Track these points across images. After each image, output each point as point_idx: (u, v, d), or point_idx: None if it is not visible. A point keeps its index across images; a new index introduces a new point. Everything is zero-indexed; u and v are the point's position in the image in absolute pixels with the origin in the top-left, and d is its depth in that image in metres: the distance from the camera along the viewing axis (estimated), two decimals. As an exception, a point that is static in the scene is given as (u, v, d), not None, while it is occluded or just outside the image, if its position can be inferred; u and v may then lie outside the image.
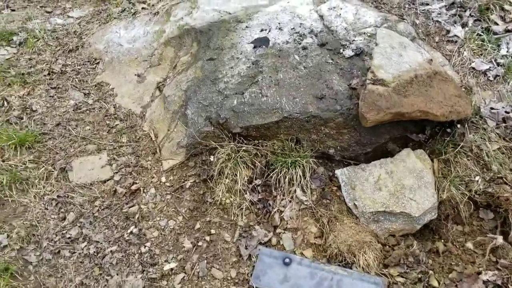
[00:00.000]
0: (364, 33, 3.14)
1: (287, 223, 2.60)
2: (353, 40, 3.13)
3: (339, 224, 2.51)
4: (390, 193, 2.48)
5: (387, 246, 2.47)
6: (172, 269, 2.56)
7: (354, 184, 2.58)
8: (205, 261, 2.56)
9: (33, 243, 2.71)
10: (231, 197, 2.76)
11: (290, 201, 2.65)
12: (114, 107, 3.49)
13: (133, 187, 2.92)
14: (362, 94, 2.49)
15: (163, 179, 2.96)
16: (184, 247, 2.62)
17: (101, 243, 2.70)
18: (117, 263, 2.62)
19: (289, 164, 2.67)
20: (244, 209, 2.71)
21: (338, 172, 2.67)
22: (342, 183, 2.62)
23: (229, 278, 2.50)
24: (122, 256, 2.64)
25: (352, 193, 2.57)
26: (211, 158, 2.89)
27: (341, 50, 3.05)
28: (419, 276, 2.36)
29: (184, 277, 2.53)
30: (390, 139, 2.73)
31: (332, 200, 2.62)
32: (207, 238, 2.63)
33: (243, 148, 2.79)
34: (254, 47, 3.14)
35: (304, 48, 3.08)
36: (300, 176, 2.66)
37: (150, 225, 2.75)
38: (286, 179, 2.68)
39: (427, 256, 2.44)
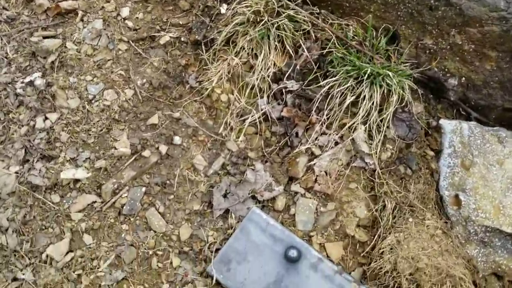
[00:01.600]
0: None
1: (315, 180, 1.34)
2: None
3: (413, 223, 1.27)
4: (539, 206, 1.23)
5: (483, 295, 1.28)
6: (77, 180, 1.33)
7: (471, 159, 1.31)
8: (143, 189, 1.33)
9: None
10: (232, 93, 1.47)
11: (336, 144, 1.37)
12: None
13: (67, 4, 1.57)
14: None
15: (125, 12, 1.62)
16: (115, 148, 1.38)
17: (-29, 83, 1.42)
18: (-16, 129, 1.38)
19: (365, 74, 1.34)
20: (247, 124, 1.43)
21: (447, 124, 1.38)
22: (448, 148, 1.35)
23: (168, 237, 1.30)
24: (1, 121, 1.39)
25: (461, 174, 1.30)
26: (223, 10, 1.53)
27: None
28: None
29: (93, 204, 1.31)
30: None
31: (417, 174, 1.35)
32: (163, 148, 1.39)
33: (290, 12, 1.43)
34: None
35: None
36: (375, 103, 1.35)
37: (70, 83, 1.47)
38: (346, 101, 1.38)
39: None
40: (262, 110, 1.48)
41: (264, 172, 1.41)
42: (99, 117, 1.48)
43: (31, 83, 1.50)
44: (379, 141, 1.40)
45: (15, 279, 1.29)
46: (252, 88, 1.51)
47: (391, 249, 1.31)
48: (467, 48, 1.44)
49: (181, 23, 1.63)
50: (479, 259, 1.33)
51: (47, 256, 1.30)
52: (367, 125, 1.42)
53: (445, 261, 1.29)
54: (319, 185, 1.39)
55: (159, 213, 1.37)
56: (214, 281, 1.25)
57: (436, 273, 1.28)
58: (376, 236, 1.35)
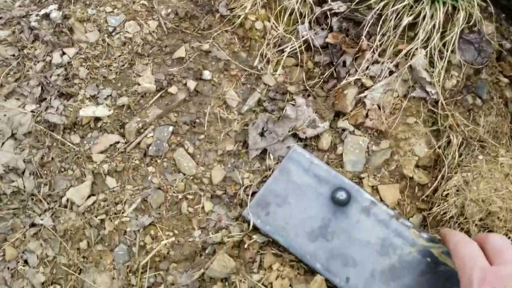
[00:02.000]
0: None
1: (366, 114, 1.17)
2: None
3: (484, 160, 1.08)
4: None
5: None
6: (98, 119, 1.21)
7: (555, 86, 1.09)
8: (170, 128, 1.19)
9: None
10: (268, 20, 1.29)
11: (391, 73, 1.18)
12: None
13: None
14: None
15: None
16: (138, 84, 1.23)
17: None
18: (-2, 65, 1.27)
19: (423, -10, 1.15)
20: (286, 55, 1.26)
21: (524, 47, 1.16)
22: (525, 74, 1.13)
23: (199, 180, 1.16)
24: (15, 57, 1.28)
25: (543, 104, 1.09)
26: None
27: None
28: None
29: (116, 145, 1.19)
30: None
31: (488, 104, 1.15)
32: (191, 84, 1.23)
33: None
34: None
35: None
36: (437, 24, 1.15)
37: (89, 15, 1.33)
38: (402, 23, 1.18)
39: None
40: (303, 37, 1.30)
41: (306, 107, 1.24)
42: (120, 51, 1.34)
43: (46, 16, 1.37)
44: (442, 68, 1.20)
45: (33, 224, 1.18)
46: (291, 13, 1.33)
47: (457, 191, 1.13)
48: (551, -46, 1.20)
49: None
50: None
51: (67, 200, 1.19)
52: (428, 50, 1.21)
53: (523, 205, 1.10)
54: (370, 120, 1.21)
55: (189, 154, 1.23)
56: (251, 226, 1.11)
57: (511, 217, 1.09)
58: (439, 177, 1.16)
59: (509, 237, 1.09)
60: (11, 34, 1.36)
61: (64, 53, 1.33)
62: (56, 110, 1.26)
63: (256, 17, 1.33)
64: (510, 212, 1.09)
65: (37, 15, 1.37)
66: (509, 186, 1.12)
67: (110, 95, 1.29)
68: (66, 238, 1.16)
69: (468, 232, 1.11)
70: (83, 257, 1.15)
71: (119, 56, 1.33)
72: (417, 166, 1.19)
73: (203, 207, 1.18)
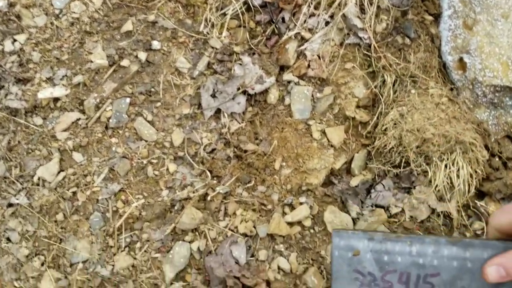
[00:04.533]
0: None
1: (308, 65, 1.26)
2: None
3: (416, 94, 1.20)
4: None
5: (497, 159, 1.23)
6: (57, 99, 1.28)
7: (474, 17, 1.21)
8: (127, 100, 1.27)
9: None
10: (208, -15, 1.36)
11: (327, 24, 1.28)
12: None
13: None
14: None
15: None
16: (91, 62, 1.30)
17: None
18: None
19: None
20: (228, 17, 1.33)
21: (444, -15, 1.26)
22: (447, 9, 1.26)
23: (161, 144, 1.25)
24: (-36, 48, 1.32)
25: (464, 35, 1.21)
26: None
27: None
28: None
29: (77, 121, 1.26)
30: None
31: (416, 42, 1.26)
32: (142, 56, 1.31)
33: None
34: None
35: None
36: (363, -27, 1.24)
37: (34, 0, 1.36)
38: (332, -26, 1.27)
39: None
40: (241, -1, 1.37)
41: (252, 65, 1.33)
42: (69, 31, 1.39)
43: (-8, 4, 1.40)
44: (372, 14, 1.30)
45: (10, 204, 1.26)
46: (228, -23, 1.39)
47: (395, 124, 1.25)
48: None
49: None
50: (490, 122, 1.27)
51: (38, 178, 1.27)
52: (357, -3, 1.31)
53: (453, 128, 1.23)
54: (312, 70, 1.31)
55: (148, 121, 1.31)
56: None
57: (445, 142, 1.22)
58: (377, 114, 1.28)
59: (443, 159, 1.23)
60: (-41, 27, 1.39)
61: (15, 40, 1.38)
62: (15, 95, 1.32)
63: (196, -16, 1.40)
64: (443, 137, 1.22)
65: (-18, 5, 1.40)
66: (440, 113, 1.24)
67: (65, 75, 1.35)
68: (43, 213, 1.25)
69: (407, 160, 1.24)
70: (61, 228, 1.24)
71: (69, 36, 1.39)
72: (357, 106, 1.30)
73: (167, 169, 1.28)
